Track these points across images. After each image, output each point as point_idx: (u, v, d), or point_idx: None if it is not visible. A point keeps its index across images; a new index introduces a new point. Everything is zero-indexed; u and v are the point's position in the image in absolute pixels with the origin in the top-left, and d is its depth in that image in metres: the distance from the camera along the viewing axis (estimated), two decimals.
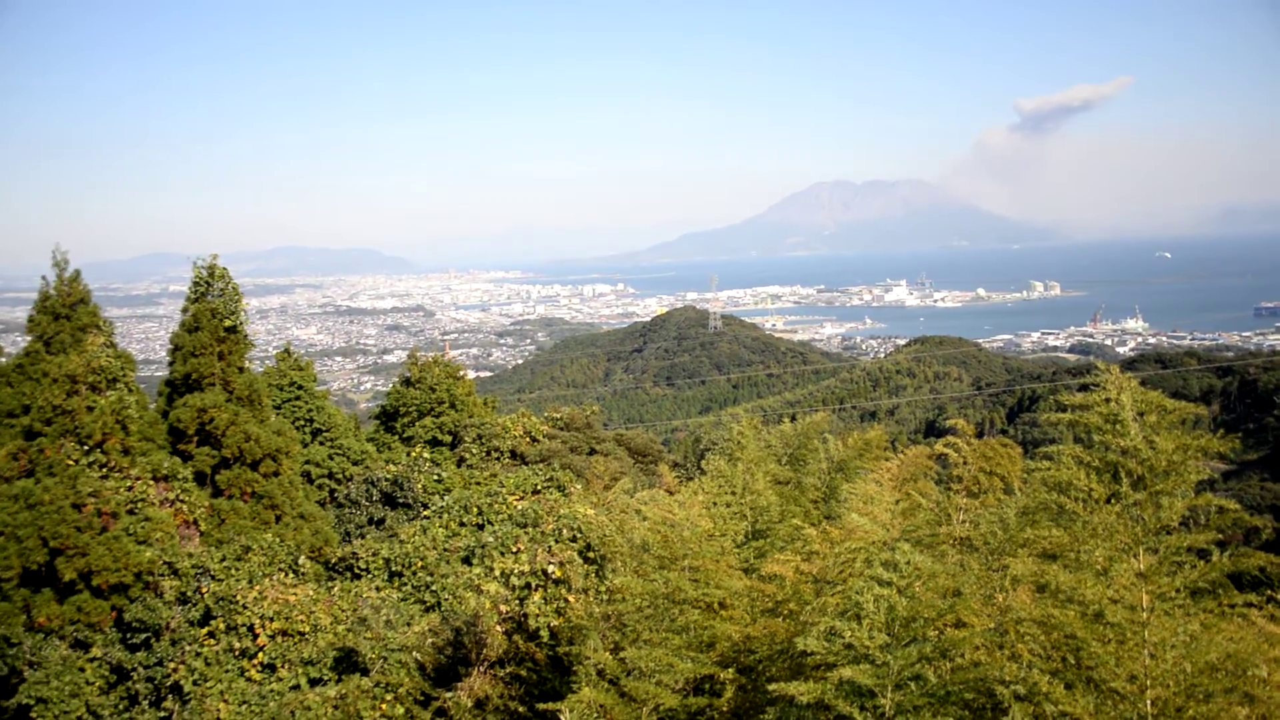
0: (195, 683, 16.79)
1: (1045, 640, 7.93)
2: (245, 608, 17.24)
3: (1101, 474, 8.15)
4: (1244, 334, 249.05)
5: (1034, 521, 9.77)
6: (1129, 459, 8.01)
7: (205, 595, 18.32)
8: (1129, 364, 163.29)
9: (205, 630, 17.54)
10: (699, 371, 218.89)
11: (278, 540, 20.80)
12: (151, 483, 21.44)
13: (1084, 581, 7.62)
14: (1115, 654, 7.37)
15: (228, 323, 24.49)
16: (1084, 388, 8.61)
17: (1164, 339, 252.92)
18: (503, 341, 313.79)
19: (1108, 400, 8.18)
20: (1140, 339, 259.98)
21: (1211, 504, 8.03)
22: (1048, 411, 8.86)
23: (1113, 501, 8.05)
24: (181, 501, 22.01)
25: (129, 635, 18.88)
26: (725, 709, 10.45)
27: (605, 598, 14.25)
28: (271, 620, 17.08)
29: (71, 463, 19.78)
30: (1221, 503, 8.02)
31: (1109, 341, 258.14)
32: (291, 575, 19.31)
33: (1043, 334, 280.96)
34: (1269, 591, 11.16)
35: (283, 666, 16.73)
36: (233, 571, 18.95)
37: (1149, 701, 7.24)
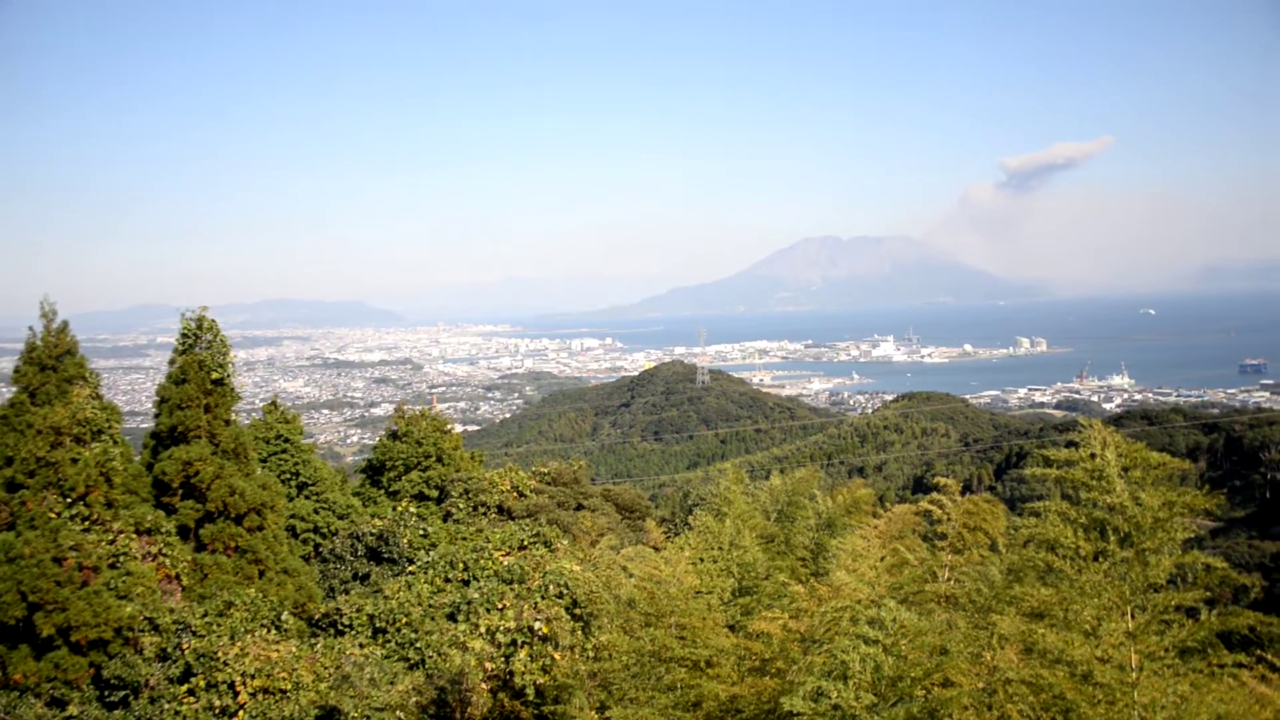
0: None
1: (1034, 701, 7.88)
2: (226, 665, 17.02)
3: (1088, 531, 8.15)
4: (1229, 390, 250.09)
5: (1020, 579, 9.75)
6: (1115, 515, 8.03)
7: (186, 652, 18.08)
8: (1116, 420, 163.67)
9: (185, 688, 17.30)
10: (687, 426, 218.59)
11: (260, 596, 20.59)
12: (134, 536, 21.23)
13: (1072, 641, 7.59)
14: (1105, 715, 7.33)
15: (215, 375, 24.41)
16: (1071, 444, 8.63)
17: (1150, 395, 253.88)
18: (491, 395, 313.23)
19: (1092, 456, 8.20)
20: (1126, 395, 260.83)
21: (1199, 562, 8.02)
22: (1034, 467, 8.85)
23: (1100, 559, 8.04)
24: (164, 556, 21.78)
25: (107, 693, 18.60)
26: None
27: (592, 655, 14.12)
28: (253, 678, 16.85)
29: (54, 515, 19.59)
30: (1209, 561, 8.02)
31: (1095, 398, 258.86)
32: (274, 631, 19.10)
33: (1029, 390, 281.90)
34: (1259, 651, 11.11)
35: None
36: (214, 627, 18.74)
37: None
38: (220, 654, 17.20)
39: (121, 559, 20.34)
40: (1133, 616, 7.87)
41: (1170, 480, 8.52)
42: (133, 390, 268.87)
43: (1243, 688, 10.69)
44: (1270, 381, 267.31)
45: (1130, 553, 7.97)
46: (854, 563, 10.89)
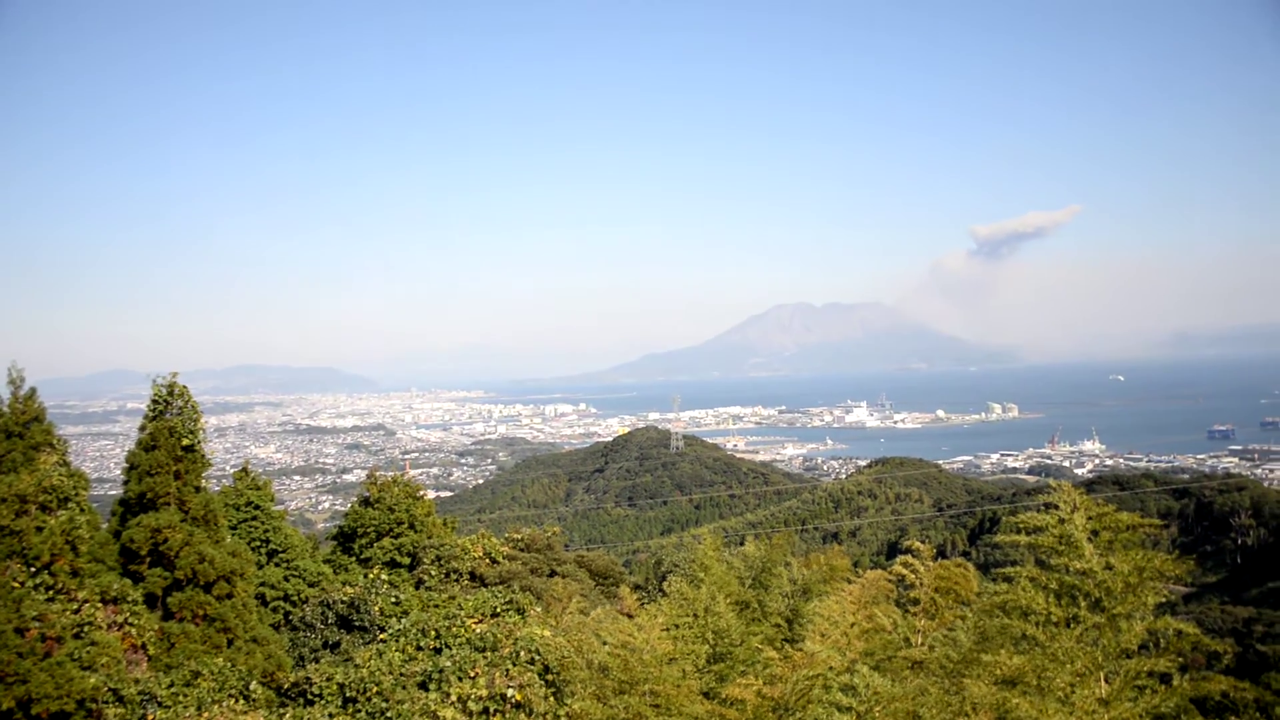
0: None
1: None
2: None
3: (1060, 596, 8.18)
4: (1198, 456, 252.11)
5: (991, 646, 9.76)
6: (1086, 580, 8.07)
7: None
8: (1088, 485, 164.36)
9: None
10: (661, 492, 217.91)
11: (229, 665, 20.27)
12: (100, 605, 20.89)
13: (1046, 709, 7.58)
14: None
15: (185, 441, 24.24)
16: (1048, 505, 8.69)
17: (1121, 460, 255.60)
18: (464, 461, 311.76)
19: (1061, 521, 8.26)
20: (1098, 460, 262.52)
21: (1171, 627, 8.06)
22: (1006, 533, 8.90)
23: (1072, 624, 8.07)
24: (130, 625, 21.44)
25: None
26: None
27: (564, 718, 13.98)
28: None
29: (17, 585, 19.27)
30: (1181, 626, 8.06)
31: (1067, 463, 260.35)
32: (242, 701, 18.77)
33: (1002, 455, 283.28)
34: (1232, 717, 11.13)
35: None
36: (180, 698, 18.41)
37: None
38: None
39: (86, 629, 20.00)
40: (1106, 682, 7.89)
41: (1142, 544, 8.58)
42: (101, 457, 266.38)
43: None
44: (1238, 447, 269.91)
45: (1102, 618, 8.00)
46: (828, 629, 10.88)
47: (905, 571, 12.34)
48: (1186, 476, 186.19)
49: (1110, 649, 7.93)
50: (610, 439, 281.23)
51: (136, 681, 19.46)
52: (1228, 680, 8.54)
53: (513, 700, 15.75)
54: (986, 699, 8.87)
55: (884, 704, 8.15)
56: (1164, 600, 8.37)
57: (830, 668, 9.18)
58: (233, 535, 28.61)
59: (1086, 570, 8.06)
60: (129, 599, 21.78)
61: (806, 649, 10.22)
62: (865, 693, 8.11)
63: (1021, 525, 8.67)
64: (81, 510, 22.03)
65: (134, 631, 21.42)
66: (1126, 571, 7.94)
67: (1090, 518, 8.33)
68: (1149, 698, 7.86)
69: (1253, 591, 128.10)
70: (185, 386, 25.03)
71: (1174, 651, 8.12)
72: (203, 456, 24.96)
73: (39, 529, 20.30)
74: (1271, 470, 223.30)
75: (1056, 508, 8.44)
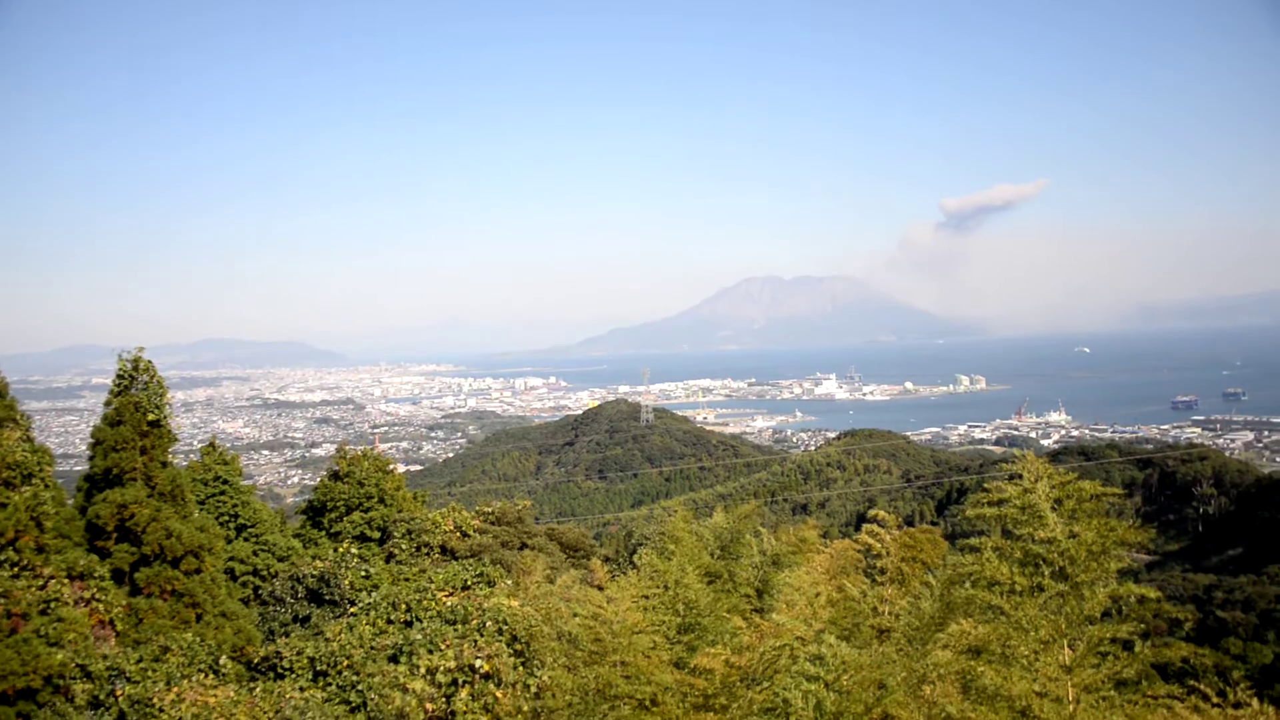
0: None
1: None
2: (162, 711, 16.65)
3: (1024, 566, 8.27)
4: (1162, 427, 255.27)
5: (957, 616, 9.86)
6: (1050, 549, 8.16)
7: (119, 699, 17.66)
8: (1053, 456, 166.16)
9: None
10: (631, 464, 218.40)
11: (198, 640, 20.20)
12: (66, 581, 20.75)
13: (1011, 677, 7.68)
14: None
15: (151, 416, 24.03)
16: (1012, 477, 8.77)
17: (1087, 432, 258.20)
18: (434, 435, 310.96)
19: (1025, 491, 8.33)
20: (1064, 432, 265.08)
21: (1133, 594, 8.17)
22: (973, 505, 8.97)
23: (1036, 593, 8.16)
24: (97, 601, 21.31)
25: None
26: None
27: (534, 692, 14.03)
28: None
29: None
30: (1144, 592, 8.17)
31: (1034, 434, 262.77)
32: (212, 676, 18.73)
33: (969, 427, 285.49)
34: (1192, 682, 11.32)
35: None
36: (149, 673, 18.33)
37: None
38: (156, 700, 16.83)
39: (52, 605, 19.86)
40: (1070, 649, 7.99)
41: (1105, 513, 8.68)
42: (66, 432, 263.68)
43: (1177, 718, 10.87)
44: (1201, 418, 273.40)
45: (1066, 586, 8.09)
46: (796, 598, 10.96)
47: (871, 540, 12.41)
48: (1150, 447, 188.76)
49: (1074, 616, 8.03)
50: (580, 412, 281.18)
51: (104, 657, 19.37)
52: (1188, 646, 8.67)
53: (481, 671, 15.79)
54: (951, 666, 8.98)
55: (851, 672, 8.23)
56: (1127, 568, 8.47)
57: (797, 637, 9.25)
58: (200, 510, 28.44)
59: (1050, 539, 8.15)
60: (96, 575, 21.65)
61: (773, 619, 10.30)
62: (833, 662, 8.17)
63: (987, 496, 8.75)
64: (46, 486, 21.84)
65: (101, 607, 21.30)
66: (1090, 540, 8.03)
67: (1054, 487, 8.41)
68: (1111, 663, 7.97)
69: (1213, 559, 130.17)
70: (151, 361, 24.79)
71: (1136, 618, 8.23)
72: (169, 431, 24.77)
73: (2, 505, 20.13)
74: (1233, 440, 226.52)
75: (1021, 478, 8.52)
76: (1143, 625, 8.29)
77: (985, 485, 8.93)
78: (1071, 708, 7.61)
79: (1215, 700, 10.53)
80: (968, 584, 8.87)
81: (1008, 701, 7.74)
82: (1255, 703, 10.11)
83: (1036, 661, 7.78)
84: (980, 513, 8.74)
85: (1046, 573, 8.14)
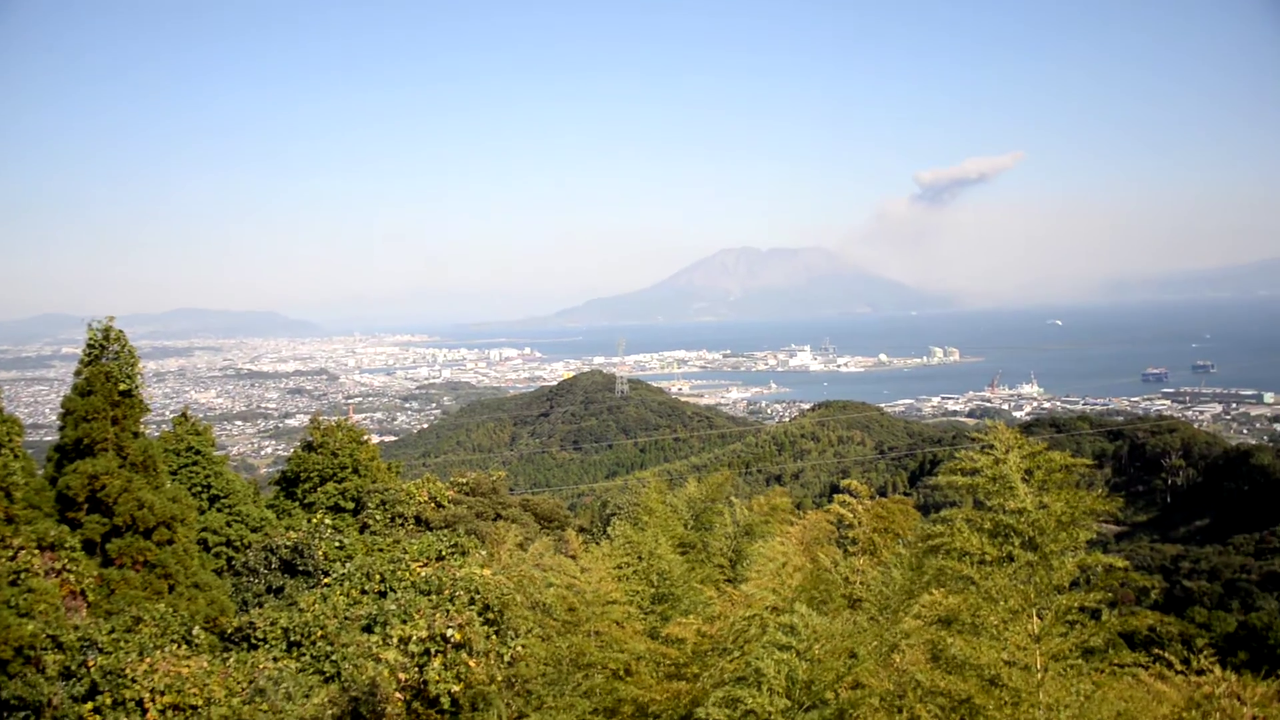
0: None
1: (944, 702, 8.05)
2: (134, 681, 16.62)
3: (994, 536, 8.34)
4: (1132, 399, 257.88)
5: (927, 586, 9.95)
6: (1019, 519, 8.23)
7: (91, 669, 17.60)
8: (1026, 428, 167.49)
9: (90, 706, 16.84)
10: (606, 435, 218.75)
11: (170, 611, 20.16)
12: (36, 552, 20.64)
13: (979, 646, 7.76)
14: (1011, 716, 7.52)
15: (123, 386, 23.87)
16: (984, 447, 8.84)
17: (1058, 404, 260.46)
18: (408, 405, 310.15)
19: (996, 462, 8.40)
20: (1036, 404, 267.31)
21: (1101, 563, 8.27)
22: (946, 474, 9.03)
23: (1005, 563, 8.24)
24: (68, 571, 21.22)
25: (6, 714, 18.03)
26: None
27: (507, 660, 14.10)
28: (162, 694, 16.48)
29: None
30: (1111, 561, 8.27)
31: (1006, 406, 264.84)
32: (185, 647, 18.70)
33: (943, 399, 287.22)
34: (1157, 650, 11.50)
35: None
36: (121, 644, 18.28)
37: None
38: (128, 671, 16.79)
39: (23, 576, 19.76)
40: (1038, 618, 8.08)
41: (1076, 484, 8.77)
42: (36, 402, 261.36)
43: (1142, 685, 11.05)
44: (1171, 390, 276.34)
45: (1035, 556, 8.17)
46: (767, 568, 11.02)
47: (843, 511, 12.50)
48: (1120, 419, 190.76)
49: (1043, 586, 8.12)
50: (555, 383, 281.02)
51: (76, 628, 19.31)
52: (1155, 615, 8.80)
53: (453, 640, 15.84)
54: (921, 636, 9.07)
55: (823, 641, 8.30)
56: (1096, 539, 8.57)
57: (767, 607, 9.31)
58: (173, 481, 28.31)
59: (1021, 510, 8.22)
60: (67, 546, 21.55)
61: (743, 589, 10.37)
62: (804, 631, 8.24)
63: (958, 467, 8.81)
64: (16, 456, 21.70)
65: (72, 578, 21.21)
66: (1059, 510, 8.11)
67: (1024, 458, 8.48)
68: (1079, 632, 8.07)
69: (1181, 530, 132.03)
70: (122, 331, 24.60)
71: (1104, 587, 8.33)
72: (141, 402, 24.62)
73: None
74: (1201, 412, 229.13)
75: (993, 449, 8.58)
76: (1110, 594, 8.39)
77: (957, 455, 9.00)
78: (1039, 676, 7.70)
79: (1179, 668, 10.72)
80: (939, 554, 8.94)
81: (976, 670, 7.83)
82: (1217, 669, 10.30)
83: (1005, 631, 7.87)
84: (951, 481, 8.79)
85: (1016, 543, 8.21)
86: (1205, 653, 10.64)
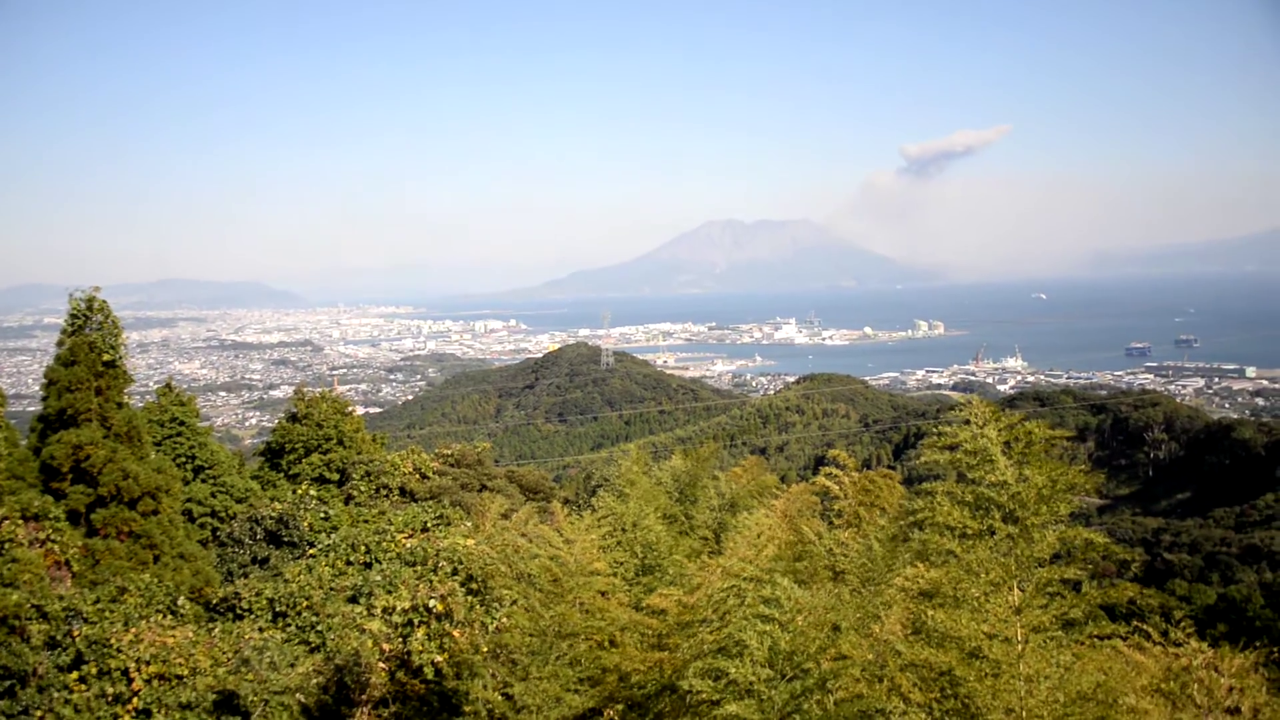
0: None
1: (925, 673, 8.14)
2: (119, 651, 16.64)
3: (975, 509, 8.41)
4: (1116, 373, 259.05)
5: (909, 559, 10.04)
6: (1000, 492, 8.29)
7: (76, 639, 17.61)
8: (1010, 401, 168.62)
9: (75, 675, 16.87)
10: (591, 408, 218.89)
11: (156, 581, 20.16)
12: (20, 522, 20.60)
13: (960, 619, 7.84)
14: (992, 688, 7.60)
15: (106, 356, 23.77)
16: (965, 422, 8.89)
17: (1042, 377, 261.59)
18: (393, 377, 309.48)
19: (975, 435, 8.45)
20: (1020, 377, 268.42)
21: (1081, 536, 8.35)
22: (929, 449, 9.08)
23: (987, 537, 8.31)
24: (53, 542, 21.19)
25: None
26: None
27: (492, 630, 14.16)
28: (148, 664, 16.51)
29: None
30: (1091, 535, 8.34)
31: (990, 380, 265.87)
32: (170, 617, 18.72)
33: (927, 372, 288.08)
34: (1137, 623, 11.65)
35: (159, 711, 16.17)
36: (107, 614, 18.29)
37: None
38: (113, 640, 16.81)
39: (7, 546, 19.74)
40: (1019, 591, 8.15)
41: (1060, 456, 8.86)
42: (18, 372, 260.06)
43: (1120, 656, 11.19)
44: (1154, 364, 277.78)
45: (1015, 529, 8.24)
46: (747, 540, 11.09)
47: (830, 484, 12.58)
48: (1104, 393, 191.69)
49: (1023, 559, 8.19)
50: (540, 355, 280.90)
51: (61, 598, 19.30)
52: (1134, 587, 8.92)
53: (436, 611, 15.90)
54: (903, 608, 9.16)
55: (805, 613, 8.37)
56: (1078, 511, 8.66)
57: (746, 578, 9.38)
58: (157, 452, 28.26)
59: (1001, 483, 8.28)
60: (51, 516, 21.52)
61: (721, 561, 10.46)
62: (787, 603, 8.31)
63: (938, 441, 8.87)
64: None
65: (57, 548, 21.19)
66: (1040, 483, 8.17)
67: (1003, 430, 8.54)
68: (1059, 604, 8.15)
69: (1162, 503, 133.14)
70: (105, 301, 24.47)
71: (1084, 560, 8.41)
72: (124, 372, 24.52)
73: None
74: (1184, 387, 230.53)
75: (970, 423, 8.63)
76: (1091, 566, 8.49)
77: (936, 430, 9.06)
78: (1020, 648, 7.79)
79: (1158, 640, 10.87)
80: (922, 528, 9.01)
81: (957, 642, 7.91)
82: (1194, 641, 10.46)
83: (986, 603, 7.94)
84: (933, 458, 8.86)
85: (997, 516, 8.28)
86: (1184, 625, 10.81)
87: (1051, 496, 8.13)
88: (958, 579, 8.05)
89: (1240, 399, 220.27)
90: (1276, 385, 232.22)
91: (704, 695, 8.33)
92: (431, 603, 15.96)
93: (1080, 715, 7.54)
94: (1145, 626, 11.18)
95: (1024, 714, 7.50)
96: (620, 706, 10.49)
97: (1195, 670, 9.89)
